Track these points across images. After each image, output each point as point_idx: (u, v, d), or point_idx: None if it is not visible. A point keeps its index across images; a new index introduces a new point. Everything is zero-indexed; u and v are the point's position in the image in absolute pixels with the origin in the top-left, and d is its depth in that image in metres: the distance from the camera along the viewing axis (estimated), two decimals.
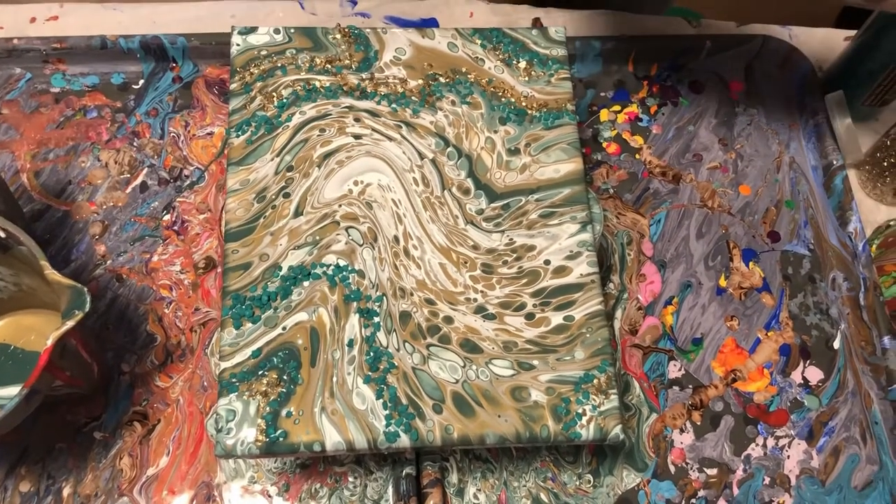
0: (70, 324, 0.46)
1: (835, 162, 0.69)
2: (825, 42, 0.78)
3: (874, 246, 0.67)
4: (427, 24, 0.75)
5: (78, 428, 0.57)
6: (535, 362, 0.49)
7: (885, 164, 0.68)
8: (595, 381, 0.49)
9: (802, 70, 0.73)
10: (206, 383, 0.59)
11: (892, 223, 0.67)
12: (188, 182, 0.66)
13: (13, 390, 0.56)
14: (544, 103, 0.57)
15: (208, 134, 0.68)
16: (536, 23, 0.76)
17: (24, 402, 0.46)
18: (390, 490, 0.56)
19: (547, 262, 0.52)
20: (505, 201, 0.54)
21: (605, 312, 0.51)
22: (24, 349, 0.58)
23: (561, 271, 0.52)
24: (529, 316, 0.50)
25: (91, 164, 0.66)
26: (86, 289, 0.47)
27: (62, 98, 0.68)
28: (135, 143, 0.67)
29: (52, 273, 0.48)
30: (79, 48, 0.68)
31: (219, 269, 0.62)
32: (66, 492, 0.55)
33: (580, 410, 0.48)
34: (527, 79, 0.58)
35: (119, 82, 0.70)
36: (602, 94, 0.73)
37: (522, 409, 0.48)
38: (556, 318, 0.50)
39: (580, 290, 0.51)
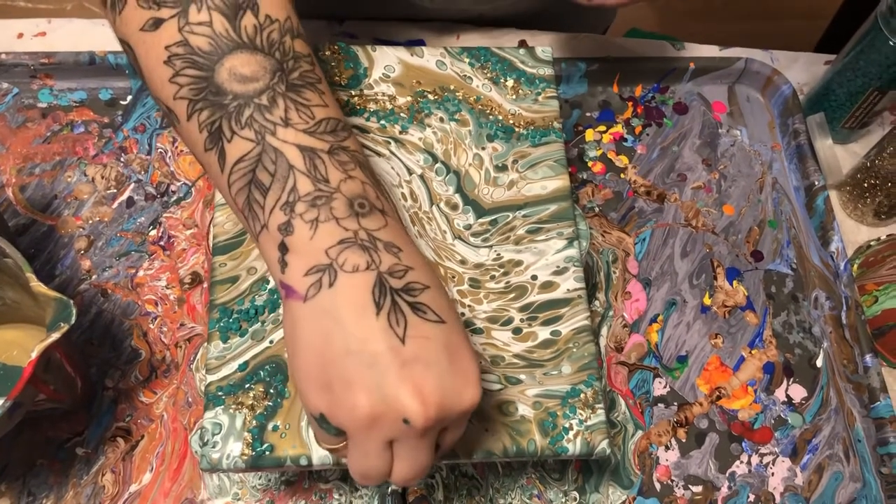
0: (55, 336, 0.46)
1: (816, 183, 0.70)
2: (806, 65, 0.79)
3: (855, 265, 0.68)
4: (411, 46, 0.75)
5: (60, 444, 0.57)
6: (523, 377, 0.49)
7: (866, 185, 0.69)
8: (582, 395, 0.49)
9: (784, 92, 0.75)
10: (190, 399, 0.59)
11: (872, 243, 0.68)
12: (175, 198, 0.66)
13: None
14: (531, 121, 0.57)
15: None
16: (522, 44, 0.77)
17: (6, 416, 0.46)
18: None
19: (534, 278, 0.52)
20: (492, 217, 0.54)
21: (591, 328, 0.51)
22: (6, 364, 0.57)
23: (548, 286, 0.52)
24: (517, 331, 0.51)
25: (77, 179, 0.66)
26: (71, 301, 0.47)
27: (49, 113, 0.68)
28: (122, 159, 0.67)
29: (37, 285, 0.47)
30: (67, 63, 0.68)
31: (205, 285, 0.62)
32: None
33: (567, 425, 0.48)
34: (514, 97, 0.58)
35: (107, 98, 0.70)
36: (587, 114, 0.74)
37: (510, 423, 0.48)
38: (543, 333, 0.51)
39: (567, 306, 0.52)
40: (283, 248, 0.38)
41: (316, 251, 0.37)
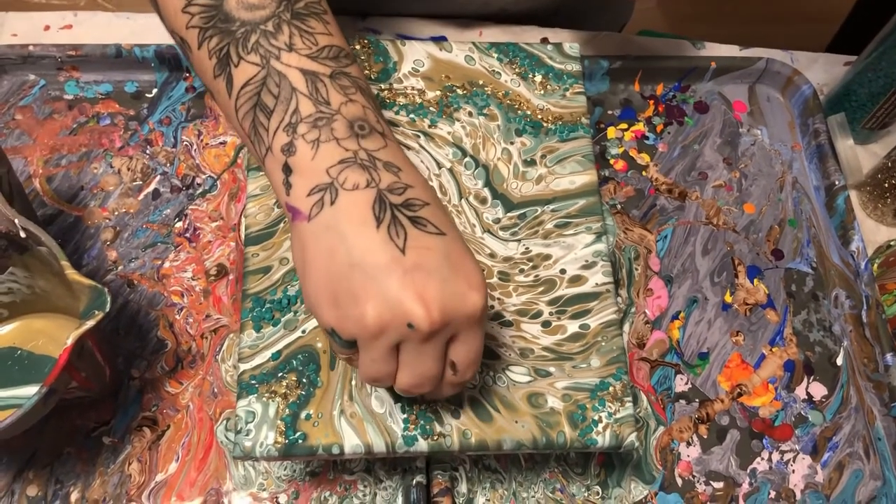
0: (90, 323, 0.46)
1: (837, 182, 0.70)
2: (826, 66, 0.80)
3: (876, 265, 0.68)
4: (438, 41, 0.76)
5: (87, 433, 0.57)
6: (552, 369, 0.50)
7: (886, 185, 0.69)
8: (611, 388, 0.49)
9: (805, 92, 0.75)
10: (216, 390, 0.59)
11: (892, 243, 0.69)
12: (200, 190, 0.66)
13: (19, 392, 0.56)
14: (559, 116, 0.58)
15: (221, 143, 0.68)
16: (544, 42, 0.77)
17: (41, 402, 0.46)
18: (400, 499, 0.56)
19: (563, 272, 0.53)
20: (521, 211, 0.54)
21: (619, 321, 0.52)
22: (33, 352, 0.58)
23: (576, 280, 0.52)
24: (546, 324, 0.51)
25: (103, 171, 0.66)
26: (106, 289, 0.47)
27: (75, 105, 0.69)
28: (147, 151, 0.67)
29: (73, 273, 0.48)
30: (93, 56, 0.69)
31: (230, 277, 0.63)
32: (73, 497, 0.55)
33: (596, 417, 0.48)
34: (542, 92, 0.59)
35: (132, 91, 0.70)
36: (609, 111, 0.74)
37: (539, 415, 0.48)
38: (572, 327, 0.51)
39: (595, 300, 0.52)
40: (287, 170, 0.40)
41: (317, 171, 0.39)
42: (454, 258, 0.39)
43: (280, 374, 0.47)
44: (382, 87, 0.57)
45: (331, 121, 0.40)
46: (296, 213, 0.39)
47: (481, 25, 0.77)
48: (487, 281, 0.52)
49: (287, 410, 0.46)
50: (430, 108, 0.57)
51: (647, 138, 0.73)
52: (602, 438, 0.48)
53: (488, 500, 0.57)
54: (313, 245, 0.39)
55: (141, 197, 0.66)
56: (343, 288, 0.38)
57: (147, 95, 0.70)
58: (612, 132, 0.73)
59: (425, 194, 0.40)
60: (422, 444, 0.47)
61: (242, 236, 0.52)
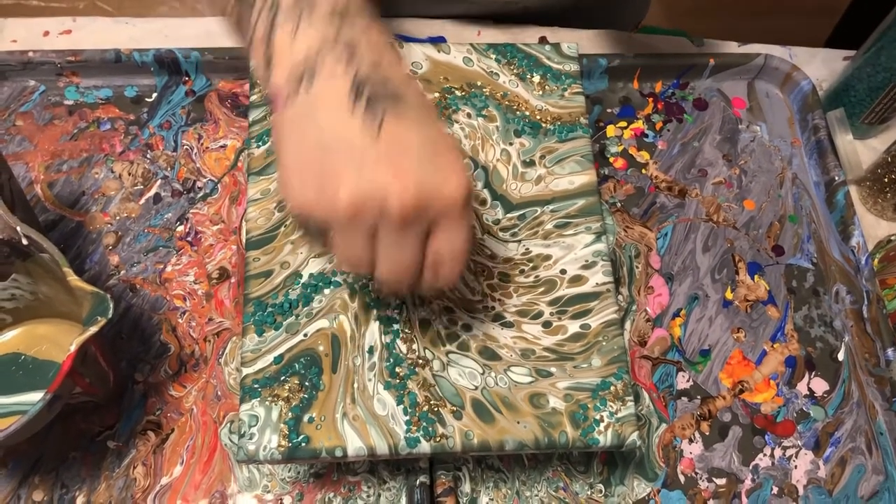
0: (93, 329, 0.46)
1: (836, 178, 0.71)
2: (825, 61, 0.80)
3: (876, 260, 0.68)
4: (436, 42, 0.76)
5: (92, 437, 0.57)
6: (553, 369, 0.50)
7: (886, 180, 0.69)
8: (612, 388, 0.49)
9: (803, 88, 0.75)
10: (219, 393, 0.59)
11: (893, 238, 0.69)
12: (201, 194, 0.66)
13: (23, 398, 0.56)
14: (558, 117, 0.58)
15: (221, 147, 0.68)
16: (542, 41, 0.77)
17: (46, 408, 0.46)
18: (404, 499, 0.57)
19: (563, 272, 0.53)
20: (521, 212, 0.55)
21: (620, 321, 0.52)
22: (37, 358, 0.58)
23: (577, 280, 0.53)
24: (546, 324, 0.51)
25: (104, 176, 0.66)
26: (108, 295, 0.47)
27: (76, 110, 0.69)
28: (148, 156, 0.68)
29: (75, 279, 0.48)
30: (93, 61, 0.69)
31: (232, 280, 0.63)
32: (79, 501, 0.55)
33: (598, 417, 0.49)
34: (541, 93, 0.59)
35: (132, 95, 0.70)
36: (608, 110, 0.74)
37: (541, 415, 0.48)
38: (573, 327, 0.51)
39: (596, 299, 0.52)
40: (268, 59, 0.40)
41: (294, 58, 0.39)
42: (433, 143, 0.38)
43: (282, 378, 0.48)
44: None
45: (311, 8, 0.39)
46: (275, 102, 0.39)
47: (480, 25, 0.78)
48: (488, 282, 0.52)
49: (290, 414, 0.47)
50: None
51: (647, 136, 0.73)
52: (604, 438, 0.48)
53: (492, 500, 0.58)
54: (289, 131, 0.39)
55: (142, 201, 0.66)
56: (315, 170, 0.37)
57: (147, 100, 0.70)
58: (611, 130, 0.73)
59: (403, 82, 0.39)
60: (424, 446, 0.47)
61: (244, 241, 0.52)
